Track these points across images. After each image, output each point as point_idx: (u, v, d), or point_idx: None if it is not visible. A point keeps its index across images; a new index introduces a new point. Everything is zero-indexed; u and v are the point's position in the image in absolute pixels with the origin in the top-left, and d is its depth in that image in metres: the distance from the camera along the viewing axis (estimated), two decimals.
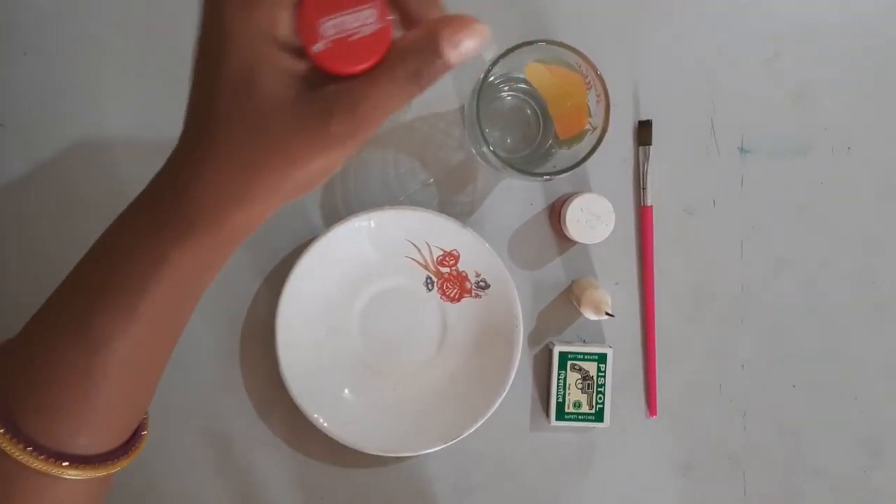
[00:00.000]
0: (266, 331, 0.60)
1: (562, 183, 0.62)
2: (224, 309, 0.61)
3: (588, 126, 0.54)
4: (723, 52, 0.62)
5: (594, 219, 0.58)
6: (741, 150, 0.63)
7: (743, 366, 0.64)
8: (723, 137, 0.63)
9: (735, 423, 0.64)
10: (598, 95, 0.51)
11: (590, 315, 0.58)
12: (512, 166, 0.50)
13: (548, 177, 0.51)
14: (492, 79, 0.52)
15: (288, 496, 0.62)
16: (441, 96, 0.61)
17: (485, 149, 0.50)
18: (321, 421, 0.58)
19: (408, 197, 0.61)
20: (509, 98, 0.59)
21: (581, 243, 0.62)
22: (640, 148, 0.62)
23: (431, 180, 0.61)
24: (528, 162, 0.57)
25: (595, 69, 0.50)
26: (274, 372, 0.60)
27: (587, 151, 0.52)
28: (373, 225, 0.58)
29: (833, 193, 0.64)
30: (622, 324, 0.63)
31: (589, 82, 0.52)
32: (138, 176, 0.60)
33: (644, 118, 0.62)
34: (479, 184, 0.62)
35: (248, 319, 0.61)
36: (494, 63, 0.49)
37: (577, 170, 0.62)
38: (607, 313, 0.57)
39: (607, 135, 0.51)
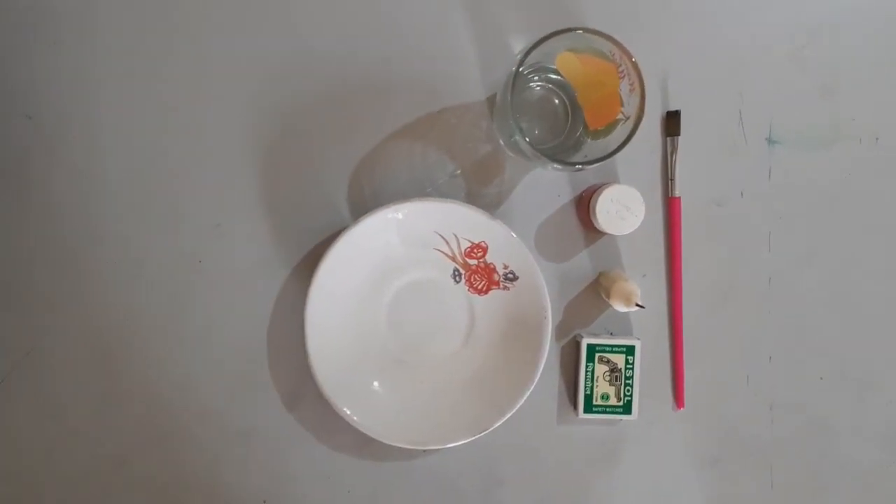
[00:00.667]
0: (292, 324, 0.60)
1: (589, 174, 0.62)
2: (251, 303, 0.60)
3: (620, 116, 0.53)
4: (751, 43, 0.62)
5: (624, 209, 0.57)
6: (769, 140, 0.63)
7: (770, 358, 0.64)
8: (751, 128, 0.63)
9: (762, 416, 0.64)
10: (631, 84, 0.51)
11: (619, 307, 0.58)
12: (545, 155, 0.49)
13: (580, 166, 0.51)
14: (522, 69, 0.52)
15: (315, 490, 0.61)
16: (469, 88, 0.60)
17: (517, 138, 0.49)
18: (350, 414, 0.57)
19: (435, 189, 0.61)
20: (538, 88, 0.59)
21: (608, 235, 0.62)
22: (668, 138, 0.62)
23: (459, 172, 0.61)
24: (556, 153, 0.57)
25: (630, 57, 0.49)
26: (300, 365, 0.59)
27: (621, 141, 0.51)
28: (401, 217, 0.57)
29: (861, 184, 0.63)
30: (649, 316, 0.63)
31: (622, 71, 0.52)
32: (165, 170, 0.60)
33: (672, 108, 0.61)
34: (507, 175, 0.61)
35: (275, 313, 0.60)
36: (528, 52, 0.48)
37: (604, 161, 0.62)
38: (638, 304, 0.57)
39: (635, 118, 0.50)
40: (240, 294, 0.60)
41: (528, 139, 0.49)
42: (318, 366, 0.57)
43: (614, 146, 0.52)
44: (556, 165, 0.51)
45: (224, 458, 0.61)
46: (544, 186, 0.62)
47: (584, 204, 0.61)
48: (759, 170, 0.63)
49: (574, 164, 0.51)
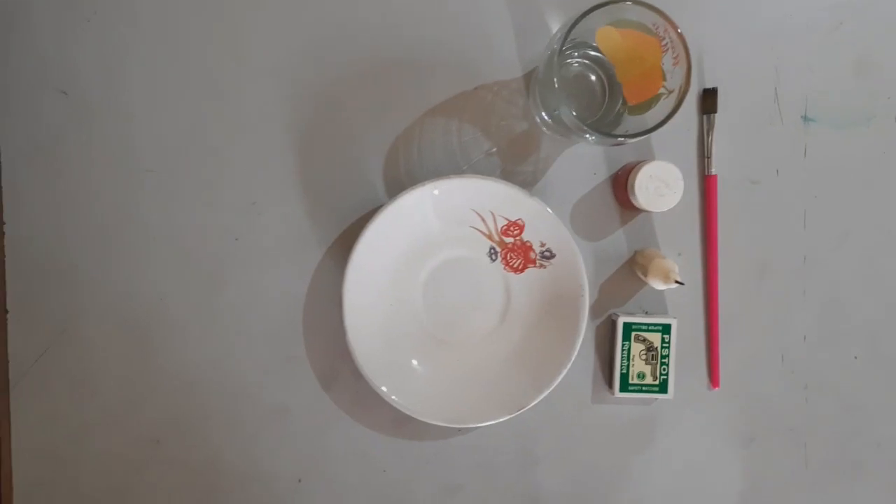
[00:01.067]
0: (328, 303, 0.59)
1: (625, 152, 0.61)
2: (286, 281, 0.60)
3: (662, 90, 0.53)
4: (787, 20, 0.62)
5: (663, 186, 0.57)
6: (805, 118, 0.62)
7: (805, 337, 0.64)
8: (786, 106, 0.62)
9: (797, 395, 0.64)
10: (675, 57, 0.51)
11: (657, 284, 0.58)
12: (591, 128, 0.49)
13: (622, 139, 0.50)
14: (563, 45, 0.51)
15: (350, 468, 0.61)
16: (505, 65, 0.60)
17: (561, 111, 0.49)
18: (388, 392, 0.57)
19: (471, 166, 0.60)
20: (576, 65, 0.58)
21: (643, 214, 0.62)
22: (705, 116, 0.61)
23: (494, 150, 0.61)
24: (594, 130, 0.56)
25: (676, 28, 0.49)
26: (336, 344, 0.59)
27: (661, 116, 0.51)
28: (437, 193, 0.57)
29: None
30: (685, 295, 0.62)
31: (665, 45, 0.51)
32: (202, 147, 0.59)
33: (709, 86, 0.61)
34: (542, 153, 0.61)
35: (311, 291, 0.60)
36: (576, 22, 0.48)
37: (640, 139, 0.61)
38: (677, 281, 0.56)
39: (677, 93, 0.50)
40: (276, 272, 0.60)
41: (574, 112, 0.49)
42: (357, 344, 0.57)
43: (653, 122, 0.51)
44: (598, 138, 0.50)
45: (259, 437, 0.61)
46: (580, 165, 0.61)
47: (620, 182, 0.60)
48: (795, 148, 0.63)
49: (617, 136, 0.50)
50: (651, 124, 0.52)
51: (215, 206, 0.59)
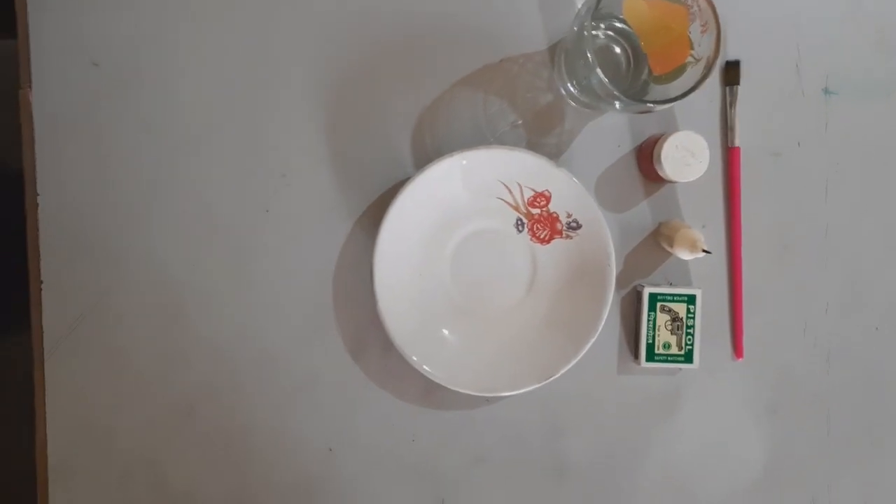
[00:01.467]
0: (358, 274, 0.60)
1: (649, 125, 0.62)
2: (316, 252, 0.61)
3: (690, 59, 0.53)
4: None
5: (689, 156, 0.58)
6: (826, 91, 0.63)
7: (827, 308, 0.64)
8: (808, 79, 0.63)
9: (819, 366, 0.65)
10: (703, 24, 0.51)
11: (683, 254, 0.58)
12: (622, 93, 0.50)
13: (651, 105, 0.51)
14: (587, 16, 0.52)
15: (379, 437, 0.62)
16: (530, 38, 0.61)
17: (594, 76, 0.50)
18: (417, 361, 0.58)
19: (496, 138, 0.61)
20: (601, 37, 0.59)
21: (667, 186, 0.63)
22: (728, 88, 0.62)
23: (520, 122, 0.61)
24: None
25: None
26: (366, 314, 0.60)
27: (687, 85, 0.52)
28: (465, 164, 0.58)
29: None
30: (708, 266, 0.63)
31: (693, 13, 0.52)
32: (233, 120, 0.60)
33: (731, 59, 0.62)
34: (567, 126, 0.62)
35: (340, 262, 0.61)
36: None
37: (664, 111, 0.62)
38: (704, 250, 0.57)
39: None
40: (306, 244, 0.60)
41: (606, 79, 0.49)
42: (387, 313, 0.58)
43: (679, 91, 0.52)
44: (625, 104, 0.51)
45: (290, 407, 0.61)
46: (604, 137, 0.62)
47: (645, 154, 0.61)
48: (817, 120, 0.63)
49: (647, 101, 0.51)
50: (676, 93, 0.52)
51: (246, 179, 0.60)
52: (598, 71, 0.50)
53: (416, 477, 0.62)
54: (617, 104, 0.53)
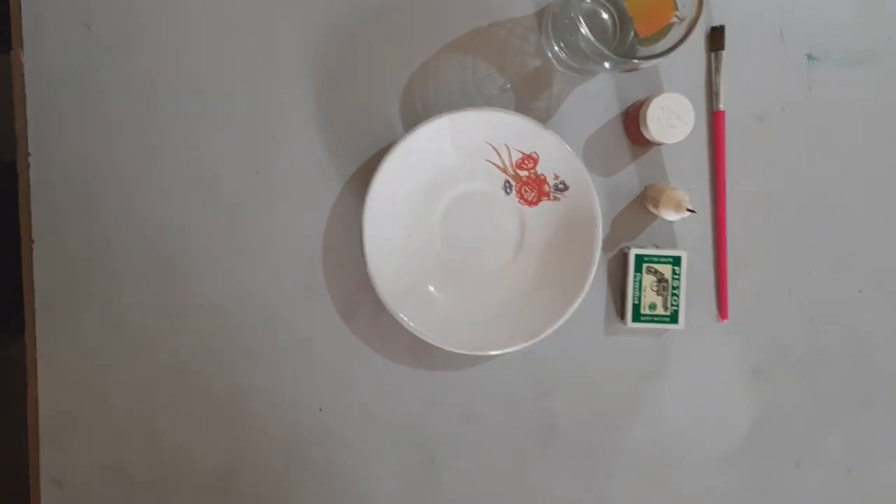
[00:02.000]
0: (348, 235, 0.61)
1: (636, 89, 0.63)
2: (306, 214, 0.61)
3: (674, 19, 0.54)
4: None
5: (674, 117, 0.58)
6: (809, 57, 0.64)
7: (811, 271, 0.65)
8: (792, 45, 0.64)
9: (803, 328, 0.66)
10: None
11: (669, 215, 0.59)
12: (610, 51, 0.50)
13: (637, 61, 0.52)
14: None
15: (370, 398, 0.63)
16: (518, 2, 0.61)
17: (583, 31, 0.50)
18: (406, 319, 0.59)
19: (485, 102, 0.62)
20: (588, 2, 0.60)
21: (654, 149, 0.63)
22: (713, 53, 0.63)
23: (508, 86, 0.62)
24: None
25: None
26: (356, 276, 0.60)
27: (679, 38, 0.52)
28: (453, 126, 0.58)
29: None
30: (693, 229, 0.64)
31: None
32: (223, 82, 0.60)
33: (716, 24, 0.63)
34: (555, 90, 0.63)
35: (330, 224, 0.61)
36: None
37: (650, 75, 0.63)
38: (689, 209, 0.58)
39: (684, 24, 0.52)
40: (296, 206, 0.61)
41: (592, 36, 0.50)
42: (377, 273, 0.58)
43: (663, 49, 0.53)
44: (613, 62, 0.52)
45: (281, 367, 0.62)
46: (592, 101, 0.63)
47: (631, 118, 0.62)
48: (800, 85, 0.64)
49: (633, 58, 0.52)
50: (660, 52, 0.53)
51: (236, 140, 0.61)
52: (584, 28, 0.50)
53: (406, 437, 0.63)
54: (605, 63, 0.53)
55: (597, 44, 0.52)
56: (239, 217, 0.61)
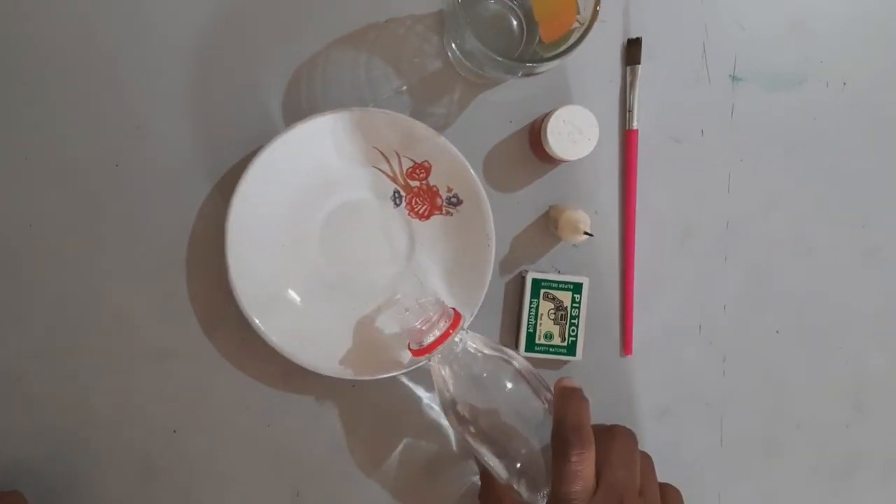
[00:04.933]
0: (216, 241, 0.55)
1: (544, 101, 0.58)
2: (171, 214, 0.56)
3: (576, 24, 0.50)
4: None
5: (576, 132, 0.54)
6: (733, 77, 0.60)
7: (725, 307, 0.61)
8: (714, 63, 0.60)
9: (714, 368, 0.61)
10: None
11: (568, 238, 0.55)
12: (498, 55, 0.46)
13: (531, 64, 0.47)
14: None
15: (231, 420, 0.57)
16: None
17: (468, 35, 0.46)
18: (271, 336, 0.53)
19: (378, 104, 0.57)
20: (493, 3, 0.55)
21: (560, 168, 0.59)
22: (628, 67, 0.59)
23: (405, 87, 0.57)
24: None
25: None
26: (223, 285, 0.55)
27: (573, 41, 0.48)
28: (338, 125, 0.53)
29: (826, 130, 0.61)
30: (600, 256, 0.59)
31: None
32: (84, 60, 0.55)
33: (633, 36, 0.58)
34: (456, 96, 0.58)
35: (197, 227, 0.56)
36: None
37: (559, 88, 0.59)
38: (586, 232, 0.53)
39: (593, 33, 0.47)
40: (159, 204, 0.55)
41: (479, 41, 0.45)
42: (240, 282, 0.53)
43: (556, 51, 0.48)
44: (506, 66, 0.47)
45: (133, 380, 0.56)
46: (496, 111, 0.58)
47: (535, 132, 0.57)
48: (722, 107, 0.60)
49: (525, 62, 0.47)
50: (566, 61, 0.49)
51: (96, 127, 0.55)
52: (469, 33, 0.46)
53: (271, 465, 0.57)
54: (498, 68, 0.49)
55: (485, 50, 0.47)
56: (94, 212, 0.55)
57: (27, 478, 0.55)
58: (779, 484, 0.62)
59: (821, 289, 0.61)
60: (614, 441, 0.46)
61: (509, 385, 0.47)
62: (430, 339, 0.48)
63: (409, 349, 0.50)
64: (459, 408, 0.47)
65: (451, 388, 0.48)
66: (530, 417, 0.47)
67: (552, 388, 0.49)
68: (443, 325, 0.48)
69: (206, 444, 0.56)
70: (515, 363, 0.49)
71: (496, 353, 0.49)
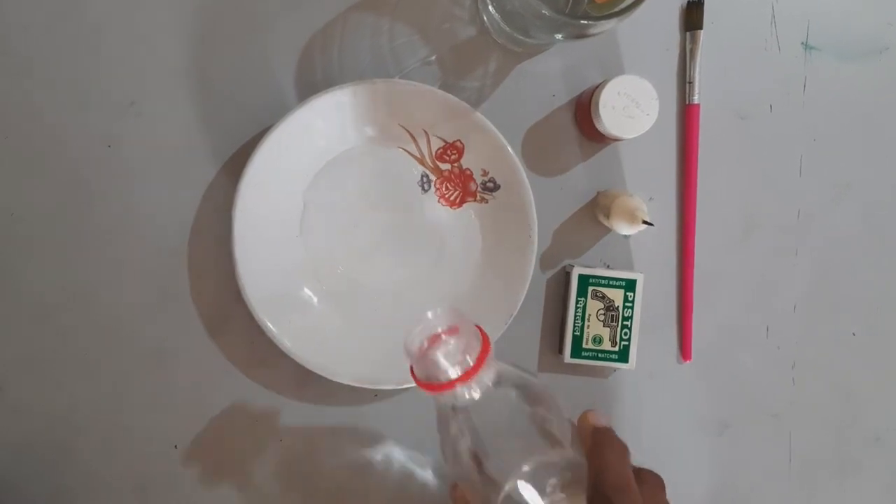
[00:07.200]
0: (222, 231, 0.49)
1: (591, 71, 0.51)
2: (169, 201, 0.49)
3: None
4: None
5: (633, 106, 0.47)
6: (805, 46, 0.53)
7: (795, 307, 0.54)
8: (785, 30, 0.53)
9: (782, 375, 0.54)
10: None
11: (622, 228, 0.48)
12: (553, 11, 0.39)
13: (586, 22, 0.40)
14: None
15: (239, 433, 0.51)
16: None
17: None
18: (283, 339, 0.47)
19: (403, 75, 0.50)
20: None
21: (610, 147, 0.52)
22: (688, 33, 0.51)
23: (433, 58, 0.50)
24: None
25: None
26: (229, 282, 0.48)
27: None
28: (358, 101, 0.47)
29: None
30: (654, 249, 0.52)
31: None
32: (73, 29, 0.48)
33: None
34: (492, 67, 0.51)
35: (200, 215, 0.50)
36: None
37: (609, 57, 0.52)
38: (645, 221, 0.46)
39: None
40: (157, 191, 0.49)
41: None
42: (250, 284, 0.46)
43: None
44: (554, 24, 0.40)
45: (127, 389, 0.50)
46: (536, 83, 0.51)
47: (583, 106, 0.50)
48: (793, 80, 0.53)
49: (581, 19, 0.40)
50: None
51: (85, 103, 0.49)
52: None
53: (284, 486, 0.51)
54: (546, 28, 0.42)
55: (539, 4, 0.40)
56: (83, 200, 0.49)
57: (9, 496, 0.50)
58: None
59: None
60: (643, 487, 0.37)
61: (526, 425, 0.37)
62: (451, 375, 0.35)
63: (413, 375, 0.37)
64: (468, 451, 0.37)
65: (464, 430, 0.37)
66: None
67: (572, 419, 0.39)
68: (468, 361, 0.35)
69: (211, 459, 0.50)
70: (537, 388, 0.38)
71: (517, 383, 0.38)
